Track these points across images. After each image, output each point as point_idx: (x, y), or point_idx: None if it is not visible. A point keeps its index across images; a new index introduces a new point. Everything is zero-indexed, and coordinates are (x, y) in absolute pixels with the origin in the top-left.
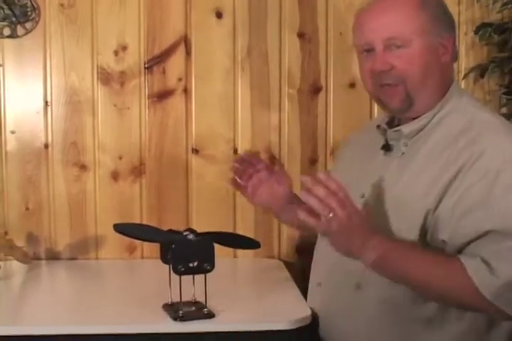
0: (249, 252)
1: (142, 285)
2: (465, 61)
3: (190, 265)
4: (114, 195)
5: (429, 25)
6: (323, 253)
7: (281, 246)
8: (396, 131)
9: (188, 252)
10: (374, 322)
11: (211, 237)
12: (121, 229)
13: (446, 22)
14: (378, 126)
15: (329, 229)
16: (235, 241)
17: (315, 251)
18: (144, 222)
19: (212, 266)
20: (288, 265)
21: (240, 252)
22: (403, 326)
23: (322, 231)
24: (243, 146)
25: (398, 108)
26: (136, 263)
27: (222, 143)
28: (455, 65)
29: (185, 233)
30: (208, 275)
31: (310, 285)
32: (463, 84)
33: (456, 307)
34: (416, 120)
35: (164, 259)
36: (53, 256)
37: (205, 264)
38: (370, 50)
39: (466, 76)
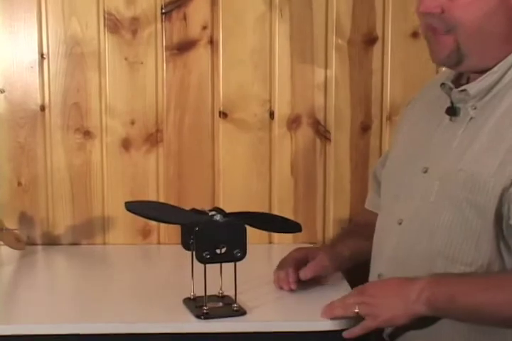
0: (288, 237)
1: (159, 276)
2: None
3: (217, 252)
4: (124, 167)
5: None
6: (385, 239)
7: (327, 229)
8: (462, 90)
9: (214, 236)
10: (445, 322)
11: (242, 218)
12: (134, 208)
13: None
14: (443, 85)
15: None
16: (271, 223)
17: (374, 237)
18: (161, 200)
19: (244, 253)
20: None
21: (276, 237)
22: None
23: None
24: (281, 109)
25: (443, 61)
26: (152, 249)
27: (256, 105)
28: None
29: (211, 213)
30: (238, 264)
31: (370, 276)
32: None
33: None
34: (483, 77)
35: (186, 245)
36: (51, 241)
37: (234, 251)
38: None
39: None
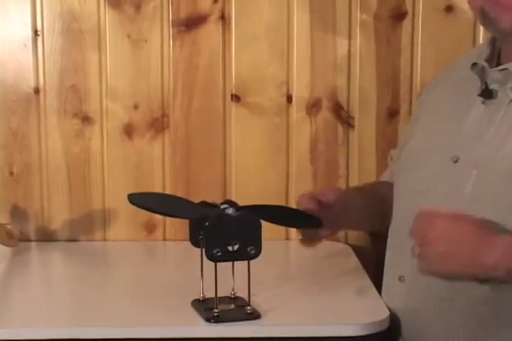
0: None
1: (164, 276)
2: None
3: (230, 249)
4: (127, 156)
5: None
6: (408, 237)
7: None
8: (502, 70)
9: (226, 232)
10: (476, 328)
11: (257, 212)
12: (138, 200)
13: None
14: (474, 65)
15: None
16: (289, 217)
17: (393, 233)
18: (168, 192)
19: (259, 251)
20: (358, 250)
21: (294, 233)
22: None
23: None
24: (299, 92)
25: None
26: (157, 246)
27: (272, 87)
28: None
29: (222, 206)
30: (253, 262)
31: (385, 279)
32: None
33: None
34: None
35: (194, 241)
36: (47, 237)
37: (248, 248)
38: None
39: None
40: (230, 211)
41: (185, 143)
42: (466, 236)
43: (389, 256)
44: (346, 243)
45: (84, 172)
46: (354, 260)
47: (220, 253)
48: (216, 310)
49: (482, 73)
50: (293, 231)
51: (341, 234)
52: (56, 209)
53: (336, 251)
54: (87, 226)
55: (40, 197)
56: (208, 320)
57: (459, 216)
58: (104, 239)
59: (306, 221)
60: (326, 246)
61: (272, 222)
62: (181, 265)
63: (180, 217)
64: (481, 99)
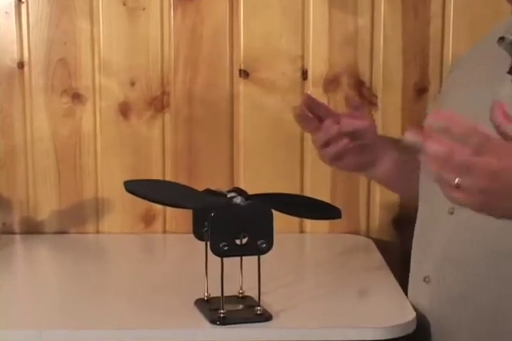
0: (324, 225)
1: (165, 273)
2: None
3: (237, 242)
4: (123, 138)
5: None
6: (432, 233)
7: (372, 216)
8: None
9: (234, 223)
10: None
11: (268, 201)
12: (135, 188)
13: None
14: (501, 39)
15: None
16: (303, 207)
17: (419, 229)
18: (168, 179)
19: (270, 245)
20: (381, 244)
21: (309, 225)
22: None
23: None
24: (316, 67)
25: None
26: (156, 239)
27: (285, 61)
28: None
29: (229, 195)
30: (263, 258)
31: (411, 279)
32: None
33: None
34: None
35: (198, 234)
36: (33, 229)
37: (258, 242)
38: None
39: None
40: (238, 200)
41: (188, 125)
42: None
43: (414, 254)
44: (368, 236)
45: (75, 157)
46: (376, 255)
47: (226, 248)
48: (222, 311)
49: (511, 48)
50: (308, 223)
51: (363, 226)
52: (43, 198)
53: (356, 246)
54: (77, 217)
55: (25, 185)
56: (213, 321)
57: None
58: (97, 232)
59: (323, 211)
60: (344, 239)
61: (284, 213)
62: (183, 260)
63: (183, 206)
64: (510, 77)
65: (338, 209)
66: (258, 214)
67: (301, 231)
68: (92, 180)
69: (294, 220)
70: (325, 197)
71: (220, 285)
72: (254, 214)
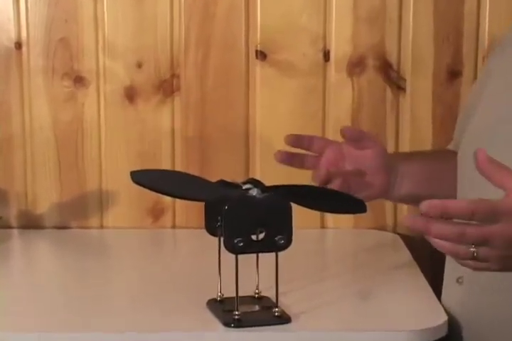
0: (347, 220)
1: (174, 271)
2: None
3: (254, 238)
4: (129, 125)
5: None
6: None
7: (399, 211)
8: None
9: (249, 217)
10: None
11: (287, 194)
12: (143, 179)
13: None
14: None
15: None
16: (326, 200)
17: None
18: (178, 169)
19: (289, 241)
20: (409, 241)
21: (331, 219)
22: None
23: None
24: (339, 48)
25: None
26: (165, 234)
27: (305, 41)
28: None
29: (245, 186)
30: (281, 255)
31: (445, 280)
32: None
33: None
34: None
35: (211, 229)
36: (31, 224)
37: (276, 237)
38: None
39: None
40: (255, 192)
41: (200, 110)
42: None
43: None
44: (395, 232)
45: (77, 146)
46: (405, 253)
47: (241, 244)
48: (237, 313)
49: None
50: (330, 218)
51: (389, 221)
52: (43, 190)
53: (382, 242)
54: (80, 210)
55: (23, 176)
56: (227, 324)
57: None
58: (101, 227)
59: (347, 205)
60: (370, 235)
61: (305, 206)
62: (194, 258)
63: (194, 199)
64: None
65: (363, 202)
66: (276, 207)
67: (323, 227)
68: (96, 171)
69: (315, 214)
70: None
71: (235, 284)
72: (272, 208)
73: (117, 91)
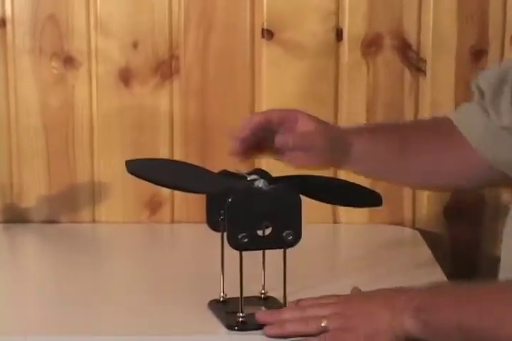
0: (361, 214)
1: (173, 269)
2: None
3: (259, 233)
4: (124, 110)
5: None
6: None
7: (418, 204)
8: None
9: (255, 211)
10: None
11: (296, 185)
12: (139, 169)
13: None
14: None
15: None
16: (338, 192)
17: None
18: (177, 158)
19: (298, 237)
20: (429, 237)
21: (344, 213)
22: None
23: None
24: (353, 26)
25: None
26: (163, 229)
27: (316, 19)
28: None
29: (250, 177)
30: (290, 252)
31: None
32: None
33: None
34: None
35: (213, 223)
36: (18, 218)
37: (284, 233)
38: None
39: None
40: (261, 183)
41: (201, 94)
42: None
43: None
44: (413, 227)
45: (67, 133)
46: (425, 250)
47: (246, 240)
48: (241, 314)
49: None
50: (343, 212)
51: (407, 215)
52: (30, 182)
53: (399, 238)
54: (70, 203)
55: (8, 168)
56: (230, 326)
57: None
58: (94, 221)
59: (361, 198)
60: (386, 231)
61: (315, 199)
62: (195, 254)
63: (194, 191)
64: None
65: (379, 194)
66: (284, 200)
67: (335, 221)
68: (88, 160)
69: (327, 208)
70: (363, 180)
71: (239, 283)
72: (280, 201)
73: (111, 74)
